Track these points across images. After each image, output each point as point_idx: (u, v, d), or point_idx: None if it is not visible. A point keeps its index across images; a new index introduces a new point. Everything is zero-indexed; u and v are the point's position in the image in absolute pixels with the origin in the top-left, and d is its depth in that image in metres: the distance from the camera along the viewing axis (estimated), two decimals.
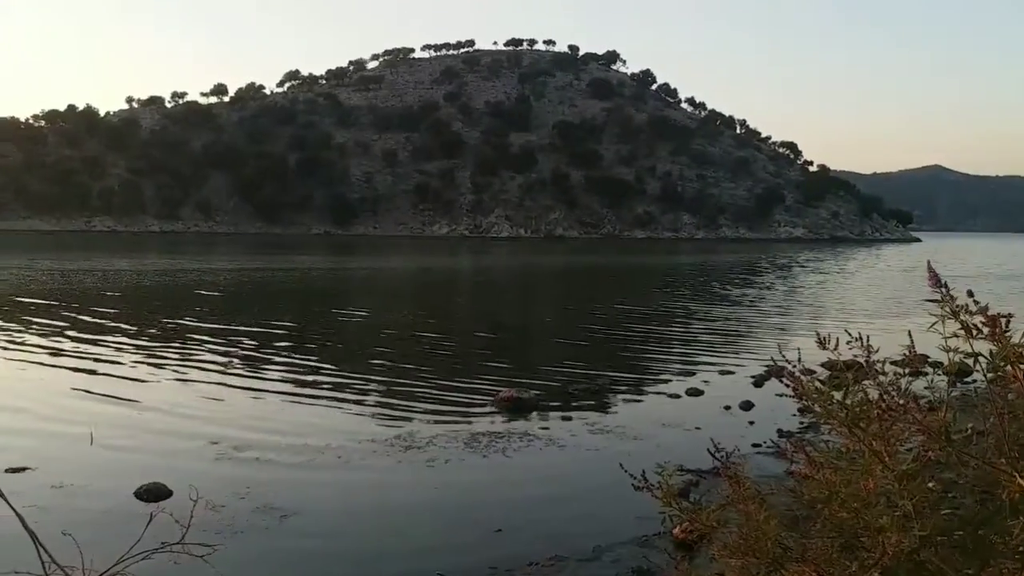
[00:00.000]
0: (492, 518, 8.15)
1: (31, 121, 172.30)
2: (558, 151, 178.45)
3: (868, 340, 2.77)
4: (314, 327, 22.77)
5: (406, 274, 53.15)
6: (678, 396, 14.16)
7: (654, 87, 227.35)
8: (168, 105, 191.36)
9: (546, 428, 11.72)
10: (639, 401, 14.13)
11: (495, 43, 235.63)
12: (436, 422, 11.91)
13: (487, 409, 12.80)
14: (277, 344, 19.43)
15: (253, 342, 19.65)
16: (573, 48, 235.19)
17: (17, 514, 2.56)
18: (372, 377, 15.55)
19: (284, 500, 8.44)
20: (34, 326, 21.60)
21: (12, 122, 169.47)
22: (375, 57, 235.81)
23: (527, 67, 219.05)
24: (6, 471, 9.03)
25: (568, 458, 10.36)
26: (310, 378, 15.37)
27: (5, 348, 18.01)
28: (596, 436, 11.34)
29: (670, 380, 15.72)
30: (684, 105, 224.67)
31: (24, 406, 12.35)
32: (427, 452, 10.32)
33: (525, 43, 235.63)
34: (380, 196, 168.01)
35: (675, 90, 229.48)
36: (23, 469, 9.17)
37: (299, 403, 13.34)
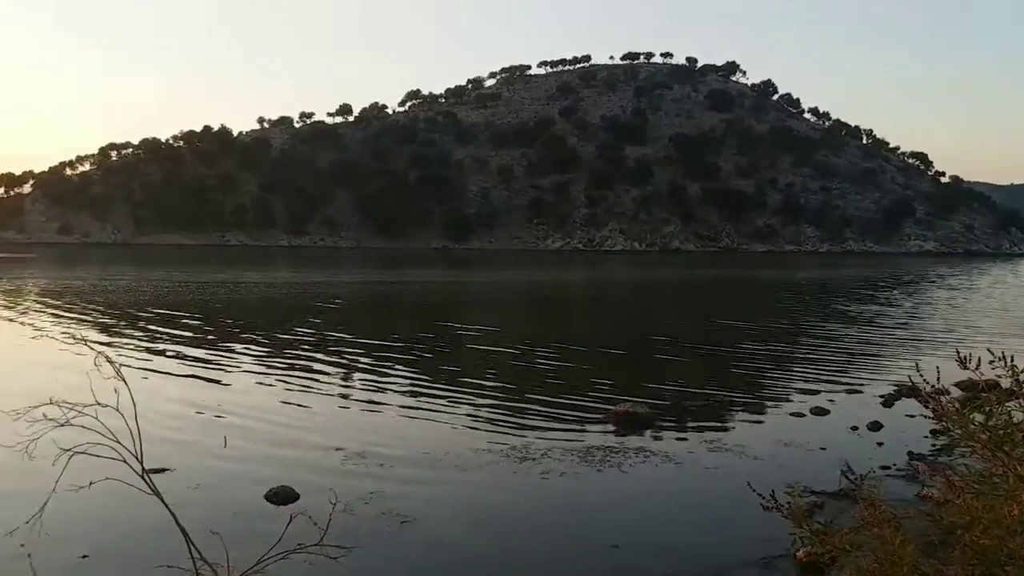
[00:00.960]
0: (608, 533, 8.10)
1: (171, 142, 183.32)
2: (674, 164, 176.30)
3: (1012, 360, 2.63)
4: (430, 339, 23.23)
5: (520, 288, 53.52)
6: (801, 415, 13.69)
7: (775, 97, 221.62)
8: (296, 125, 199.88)
9: (662, 444, 11.55)
10: (759, 419, 13.74)
11: (611, 58, 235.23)
12: (550, 435, 11.93)
13: (601, 423, 12.73)
14: (395, 355, 19.91)
15: (372, 353, 20.21)
16: (691, 60, 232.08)
17: (172, 513, 2.74)
18: (485, 389, 15.72)
19: (405, 507, 8.63)
20: (172, 335, 22.92)
21: (154, 143, 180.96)
22: (493, 75, 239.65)
23: (643, 80, 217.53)
24: (148, 471, 9.59)
25: (685, 475, 10.18)
26: (426, 388, 15.69)
27: (144, 356, 19.14)
28: (714, 454, 11.10)
29: (792, 398, 15.21)
30: (807, 115, 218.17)
31: (164, 409, 13.06)
32: (542, 464, 10.35)
33: (642, 56, 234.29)
34: (495, 211, 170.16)
35: (797, 100, 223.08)
36: (163, 470, 9.70)
37: (416, 413, 13.62)
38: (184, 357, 19.00)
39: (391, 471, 10.04)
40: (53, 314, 28.43)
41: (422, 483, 9.68)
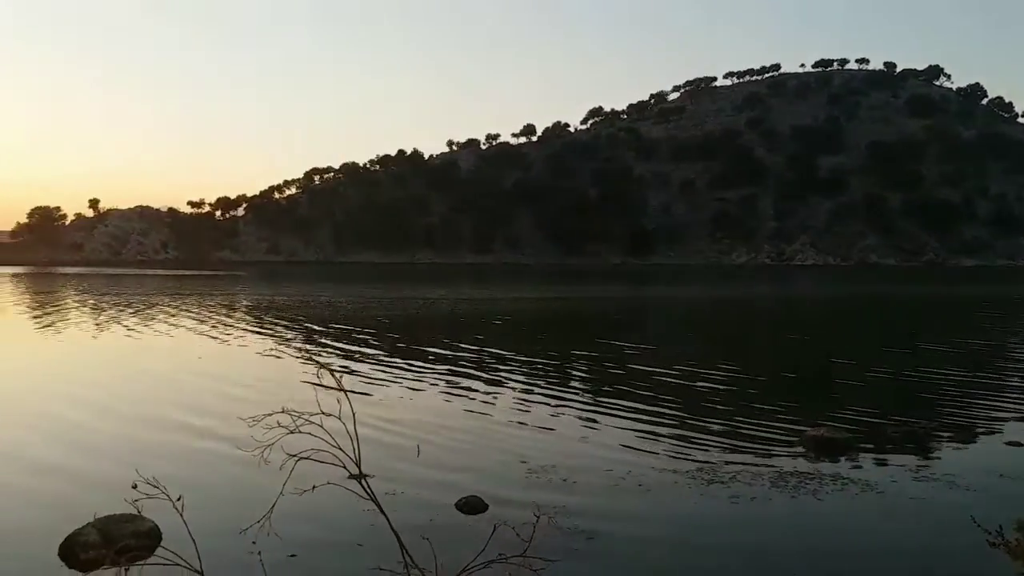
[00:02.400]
0: (799, 565, 7.78)
1: (368, 165, 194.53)
2: (872, 173, 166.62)
3: None
4: (609, 355, 23.17)
5: (702, 304, 52.32)
6: (1018, 444, 12.51)
7: (984, 101, 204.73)
8: (483, 147, 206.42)
9: (860, 471, 10.90)
10: (969, 448, 12.68)
11: (802, 65, 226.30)
12: (736, 457, 11.57)
13: (793, 447, 12.21)
14: (577, 370, 20.08)
15: (553, 367, 20.48)
16: (889, 65, 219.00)
17: (387, 519, 2.93)
18: (666, 407, 15.48)
19: (590, 523, 8.66)
20: (365, 347, 24.29)
21: (353, 167, 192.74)
22: (676, 88, 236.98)
23: (837, 87, 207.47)
24: (346, 478, 10.17)
25: (887, 506, 9.55)
26: (605, 403, 15.68)
27: (341, 366, 20.35)
28: (919, 483, 10.35)
29: (1006, 427, 13.92)
30: (1021, 120, 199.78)
31: (363, 418, 13.82)
32: (730, 488, 10.07)
33: (835, 63, 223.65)
34: (677, 225, 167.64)
35: (1010, 104, 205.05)
36: (364, 476, 10.27)
37: (596, 428, 13.66)
38: (377, 368, 20.05)
39: (574, 486, 10.11)
40: (268, 327, 30.86)
41: (605, 500, 9.68)
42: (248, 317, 36.01)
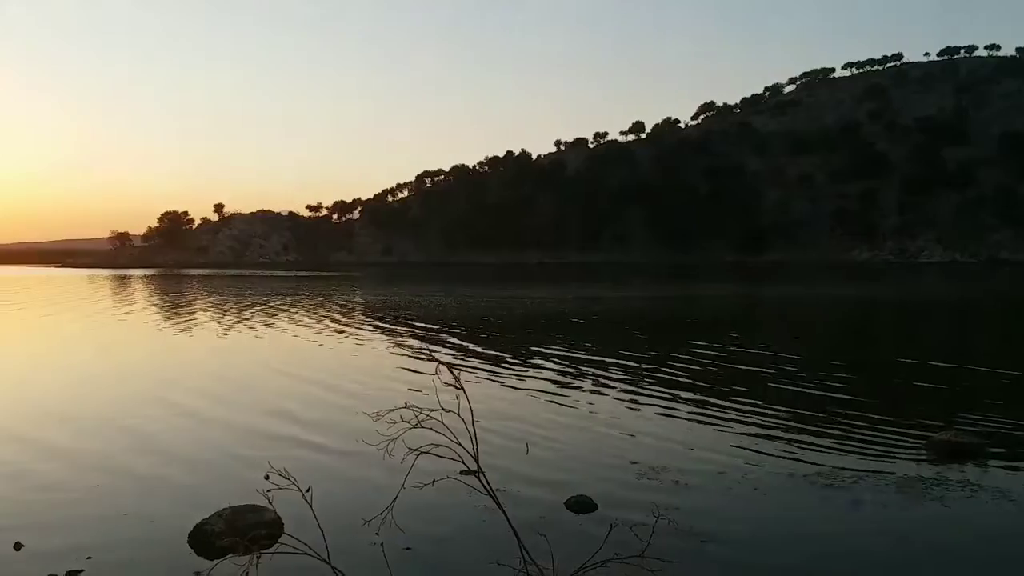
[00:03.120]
0: (928, 574, 7.43)
1: (477, 168, 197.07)
2: (1004, 165, 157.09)
3: None
4: (720, 354, 22.69)
5: (819, 303, 50.50)
6: None
7: None
8: (591, 146, 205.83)
9: (992, 478, 10.32)
10: None
11: (926, 54, 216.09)
12: (857, 462, 11.13)
13: (917, 452, 11.66)
14: (685, 370, 19.75)
15: (662, 367, 20.21)
16: (1022, 51, 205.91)
17: (505, 515, 3.00)
18: (780, 408, 15.00)
19: (703, 526, 8.53)
20: (475, 344, 24.61)
21: (462, 169, 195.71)
22: (792, 81, 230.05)
23: (965, 76, 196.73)
24: (450, 476, 10.35)
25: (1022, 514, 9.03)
26: (716, 403, 15.37)
27: (457, 363, 20.71)
28: None
29: None
30: None
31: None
32: (851, 493, 9.72)
33: (963, 51, 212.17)
34: (793, 222, 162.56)
35: None
36: (472, 473, 10.45)
37: (707, 429, 13.40)
38: (485, 365, 20.29)
39: (686, 488, 9.98)
40: (384, 325, 31.73)
41: (719, 502, 9.51)
42: (365, 316, 37.11)
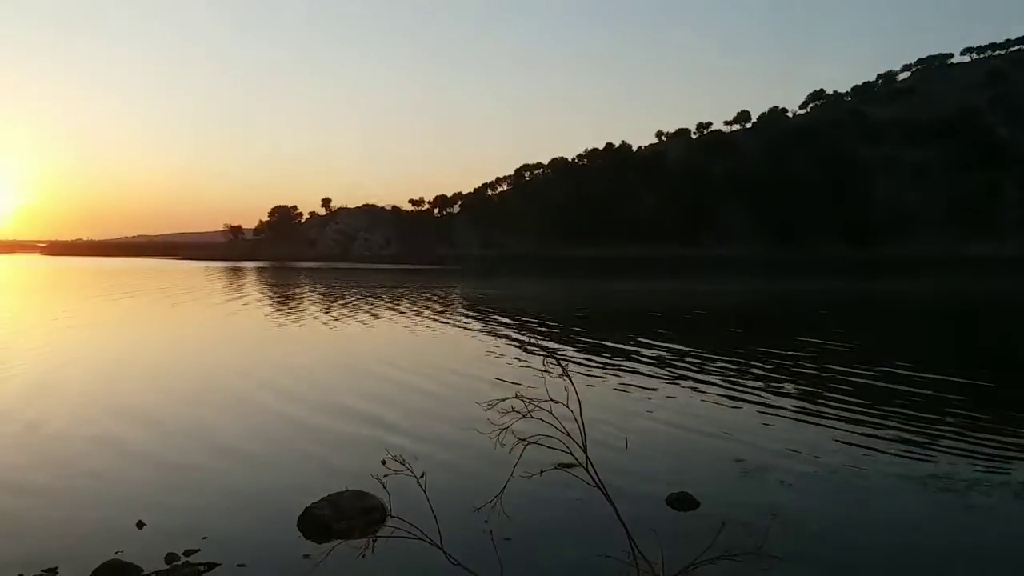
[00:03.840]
0: None
1: (576, 160, 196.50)
2: None
3: None
4: (825, 352, 21.94)
5: (934, 300, 48.18)
6: None
7: None
8: (693, 136, 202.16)
9: None
10: None
11: None
12: (972, 466, 10.58)
13: None
14: (788, 367, 19.21)
15: (764, 364, 19.71)
16: None
17: (614, 507, 2.98)
18: (889, 410, 14.38)
19: (812, 527, 8.30)
20: (575, 337, 24.56)
21: (561, 162, 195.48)
22: (906, 68, 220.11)
23: None
24: (558, 466, 10.36)
25: None
26: (821, 403, 14.89)
27: (573, 358, 20.71)
28: None
29: None
30: None
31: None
32: (966, 498, 9.26)
33: None
34: (908, 214, 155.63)
35: None
36: (571, 465, 10.44)
37: (811, 428, 13.00)
38: (585, 358, 20.22)
39: (792, 488, 9.72)
40: (486, 317, 32.08)
41: (827, 503, 9.22)
42: (467, 309, 37.59)
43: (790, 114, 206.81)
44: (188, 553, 7.58)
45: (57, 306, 39.50)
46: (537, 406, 3.55)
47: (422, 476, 3.73)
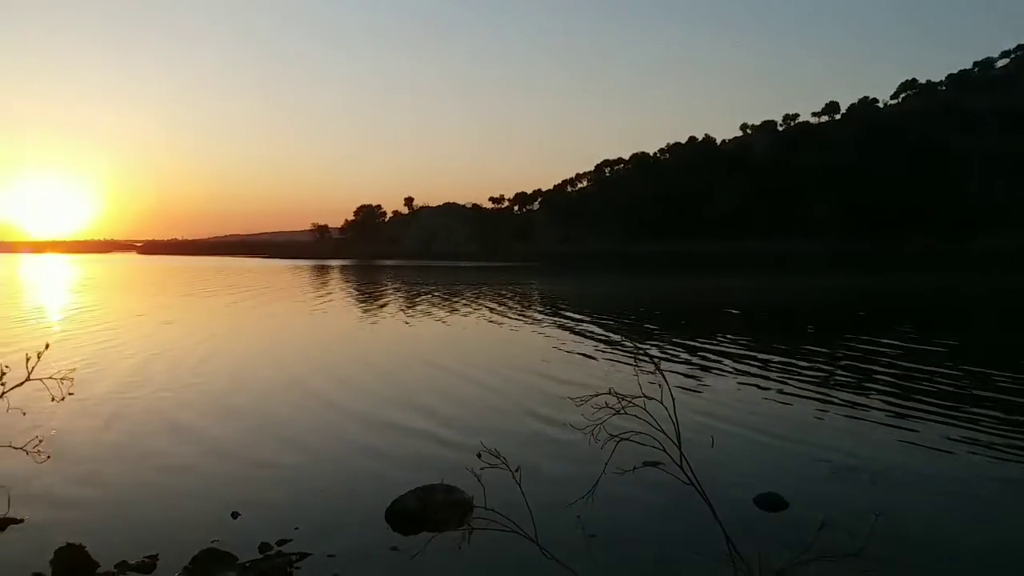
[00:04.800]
0: None
1: (658, 155, 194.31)
2: None
3: None
4: (923, 348, 21.12)
5: None
6: None
7: None
8: (779, 128, 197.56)
9: None
10: None
11: None
12: None
13: None
14: (879, 365, 18.58)
15: (854, 361, 19.13)
16: None
17: (710, 506, 2.95)
18: (991, 409, 13.76)
19: (912, 530, 8.01)
20: (655, 336, 24.31)
21: (642, 157, 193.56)
22: (1005, 54, 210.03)
23: None
24: (645, 464, 10.23)
25: None
26: (915, 402, 14.32)
27: (668, 355, 20.55)
28: None
29: None
30: None
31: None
32: None
33: None
34: (1005, 206, 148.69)
35: None
36: (657, 464, 10.33)
37: (905, 428, 12.51)
38: (668, 356, 19.97)
39: (887, 490, 9.40)
40: (569, 313, 32.06)
41: (926, 506, 8.88)
42: (547, 305, 37.64)
43: (881, 104, 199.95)
44: (281, 543, 7.80)
45: (151, 302, 41.09)
46: (630, 402, 3.53)
47: (517, 470, 3.75)
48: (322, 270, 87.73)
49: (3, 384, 4.14)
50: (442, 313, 33.46)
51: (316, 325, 30.43)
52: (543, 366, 18.91)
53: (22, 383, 4.35)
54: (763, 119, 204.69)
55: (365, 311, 35.97)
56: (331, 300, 43.01)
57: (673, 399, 3.68)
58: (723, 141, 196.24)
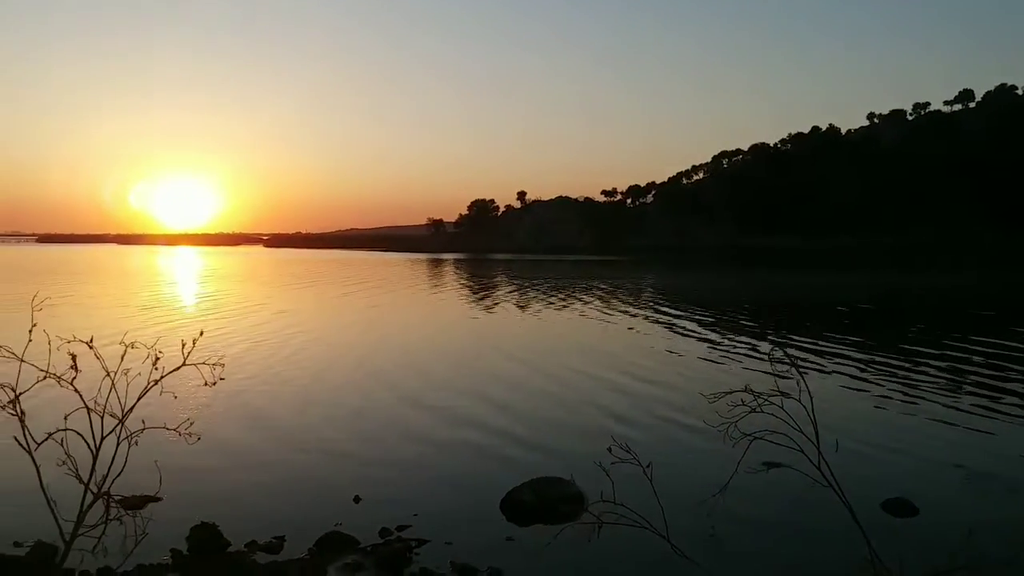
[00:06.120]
0: None
1: (779, 145, 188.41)
2: None
3: None
4: None
5: None
6: None
7: None
8: (909, 117, 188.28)
9: None
10: None
11: None
12: None
13: None
14: (1014, 367, 17.44)
15: (995, 360, 18.05)
16: None
17: (851, 512, 2.80)
18: None
19: None
20: (774, 336, 23.58)
21: (762, 148, 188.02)
22: None
23: None
24: (778, 463, 9.89)
25: None
26: None
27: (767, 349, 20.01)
28: None
29: None
30: None
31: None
32: None
33: None
34: None
35: None
36: (779, 465, 10.02)
37: None
38: (788, 351, 19.32)
39: (1021, 497, 8.83)
40: (686, 308, 31.58)
41: None
42: (663, 300, 37.15)
43: (1020, 91, 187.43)
44: (400, 529, 8.00)
45: (276, 293, 42.69)
46: (767, 400, 3.42)
47: (648, 466, 3.71)
48: (437, 263, 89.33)
49: (157, 368, 4.40)
50: (556, 307, 33.50)
51: (436, 316, 30.96)
52: (666, 361, 18.68)
53: (178, 368, 4.60)
54: (891, 108, 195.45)
55: (479, 304, 36.40)
56: (446, 292, 43.72)
57: (811, 398, 3.55)
58: (848, 131, 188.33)
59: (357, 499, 8.90)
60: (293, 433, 12.05)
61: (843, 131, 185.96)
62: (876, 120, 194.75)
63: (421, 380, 16.47)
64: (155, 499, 8.37)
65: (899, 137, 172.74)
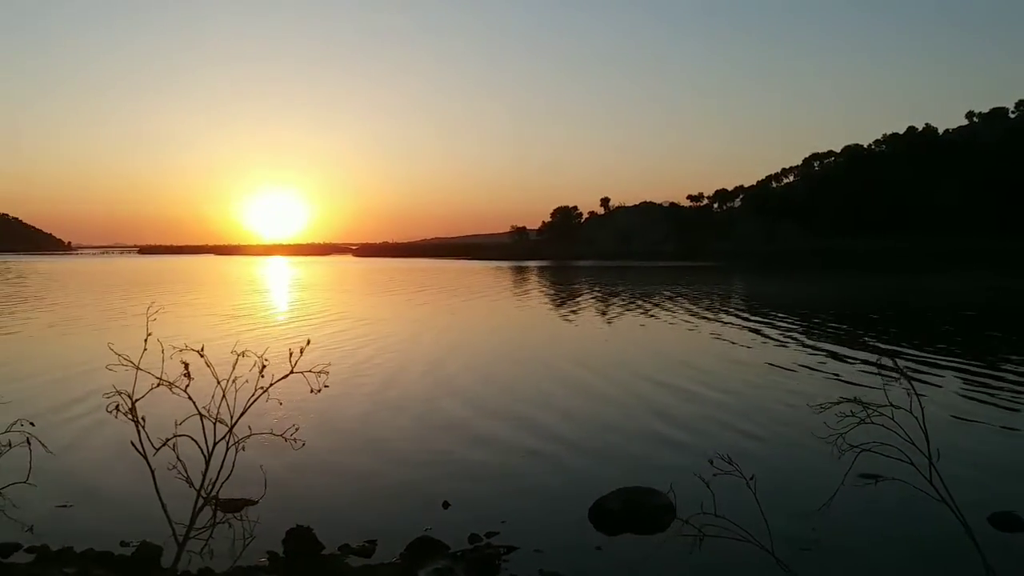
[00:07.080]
0: None
1: (873, 147, 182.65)
2: None
3: None
4: None
5: None
6: None
7: None
8: (1011, 115, 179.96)
9: None
10: None
11: None
12: None
13: None
14: None
15: None
16: None
17: (964, 524, 2.72)
18: None
19: None
20: (870, 343, 22.82)
21: (855, 149, 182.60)
22: None
23: None
24: (887, 477, 9.49)
25: None
26: None
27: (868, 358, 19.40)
28: None
29: None
30: None
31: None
32: None
33: None
34: None
35: None
36: (886, 479, 9.67)
37: None
38: (888, 358, 18.64)
39: None
40: (777, 314, 30.91)
41: None
42: (760, 306, 36.48)
43: None
44: (489, 535, 8.05)
45: (373, 302, 43.51)
46: (876, 411, 3.33)
47: (752, 478, 3.65)
48: (521, 271, 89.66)
49: (264, 376, 4.56)
50: (643, 314, 33.19)
51: (526, 324, 31.01)
52: (764, 371, 18.25)
53: (286, 376, 4.76)
54: (992, 106, 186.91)
55: (569, 310, 36.39)
56: (533, 299, 43.84)
57: (923, 409, 3.43)
58: (946, 131, 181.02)
59: (446, 504, 9.00)
60: (386, 440, 12.26)
61: (940, 131, 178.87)
62: (975, 119, 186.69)
63: (507, 395, 16.30)
64: (252, 502, 8.64)
65: (1000, 135, 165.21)
